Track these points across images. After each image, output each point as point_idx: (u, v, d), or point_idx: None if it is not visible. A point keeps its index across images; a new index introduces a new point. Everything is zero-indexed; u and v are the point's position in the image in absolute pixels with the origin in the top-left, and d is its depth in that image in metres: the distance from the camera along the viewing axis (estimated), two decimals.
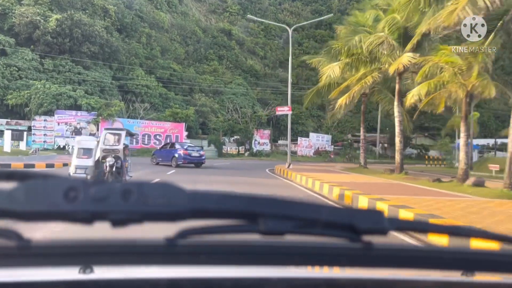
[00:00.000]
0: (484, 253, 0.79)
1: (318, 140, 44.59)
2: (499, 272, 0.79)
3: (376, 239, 0.68)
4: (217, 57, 56.74)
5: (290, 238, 0.66)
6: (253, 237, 0.65)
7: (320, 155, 43.35)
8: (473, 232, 0.86)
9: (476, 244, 2.09)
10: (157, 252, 0.65)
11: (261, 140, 41.67)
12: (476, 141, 41.00)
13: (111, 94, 38.68)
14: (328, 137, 45.81)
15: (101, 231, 0.67)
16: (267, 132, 42.62)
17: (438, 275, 0.79)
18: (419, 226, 0.79)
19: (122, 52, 43.31)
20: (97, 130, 34.13)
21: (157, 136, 36.69)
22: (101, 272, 0.73)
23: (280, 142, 45.41)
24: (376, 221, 0.67)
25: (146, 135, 36.44)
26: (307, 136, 44.87)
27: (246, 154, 39.78)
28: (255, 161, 33.42)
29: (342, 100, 21.06)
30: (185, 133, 38.15)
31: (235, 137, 40.74)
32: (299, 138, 43.51)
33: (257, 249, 0.68)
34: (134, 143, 34.92)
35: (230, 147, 39.81)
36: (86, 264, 0.72)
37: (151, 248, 0.66)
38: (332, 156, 40.45)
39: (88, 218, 0.57)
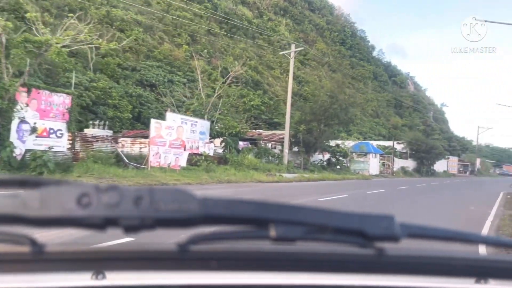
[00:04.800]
0: (499, 260, 0.80)
1: (185, 130, 19.41)
2: None
3: (389, 245, 0.68)
4: None
5: (301, 244, 0.66)
6: (264, 243, 0.65)
7: (197, 165, 18.65)
8: (488, 240, 0.88)
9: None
10: (169, 258, 0.68)
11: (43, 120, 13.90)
12: None
13: None
14: (205, 124, 21.05)
15: (113, 236, 0.64)
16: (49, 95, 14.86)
17: (451, 282, 0.77)
18: (433, 233, 0.75)
19: None
20: None
21: None
22: (113, 278, 0.71)
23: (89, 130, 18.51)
24: (387, 227, 0.66)
25: None
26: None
27: None
28: None
29: None
30: None
31: None
32: (153, 121, 17.50)
33: (268, 255, 0.70)
34: None
35: None
36: (98, 270, 0.70)
37: (163, 254, 0.68)
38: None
39: (100, 224, 0.57)
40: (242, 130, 22.97)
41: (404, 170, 43.94)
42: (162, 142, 16.98)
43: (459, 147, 73.58)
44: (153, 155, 16.50)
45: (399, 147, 47.38)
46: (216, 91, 22.89)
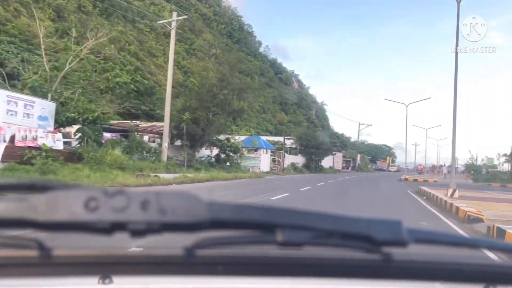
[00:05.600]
0: (508, 266, 0.79)
1: (10, 113, 13.20)
2: None
3: (396, 251, 0.68)
4: None
5: (307, 249, 0.66)
6: (271, 248, 0.65)
7: (31, 163, 12.64)
8: (495, 245, 0.90)
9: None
10: (176, 263, 0.68)
11: None
12: None
13: None
14: (48, 106, 14.83)
15: (121, 239, 0.66)
16: None
17: None
18: (441, 239, 0.75)
19: None
20: None
21: None
22: (120, 282, 0.71)
23: None
24: (394, 232, 0.66)
25: None
26: None
27: None
28: None
29: None
30: None
31: None
32: None
33: (275, 260, 0.70)
34: None
35: None
36: (105, 274, 0.71)
37: (170, 259, 0.69)
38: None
39: (107, 229, 0.57)
40: (103, 115, 17.11)
41: (294, 167, 41.99)
42: None
43: (339, 144, 75.94)
44: None
45: (288, 142, 45.48)
46: (68, 63, 16.78)
